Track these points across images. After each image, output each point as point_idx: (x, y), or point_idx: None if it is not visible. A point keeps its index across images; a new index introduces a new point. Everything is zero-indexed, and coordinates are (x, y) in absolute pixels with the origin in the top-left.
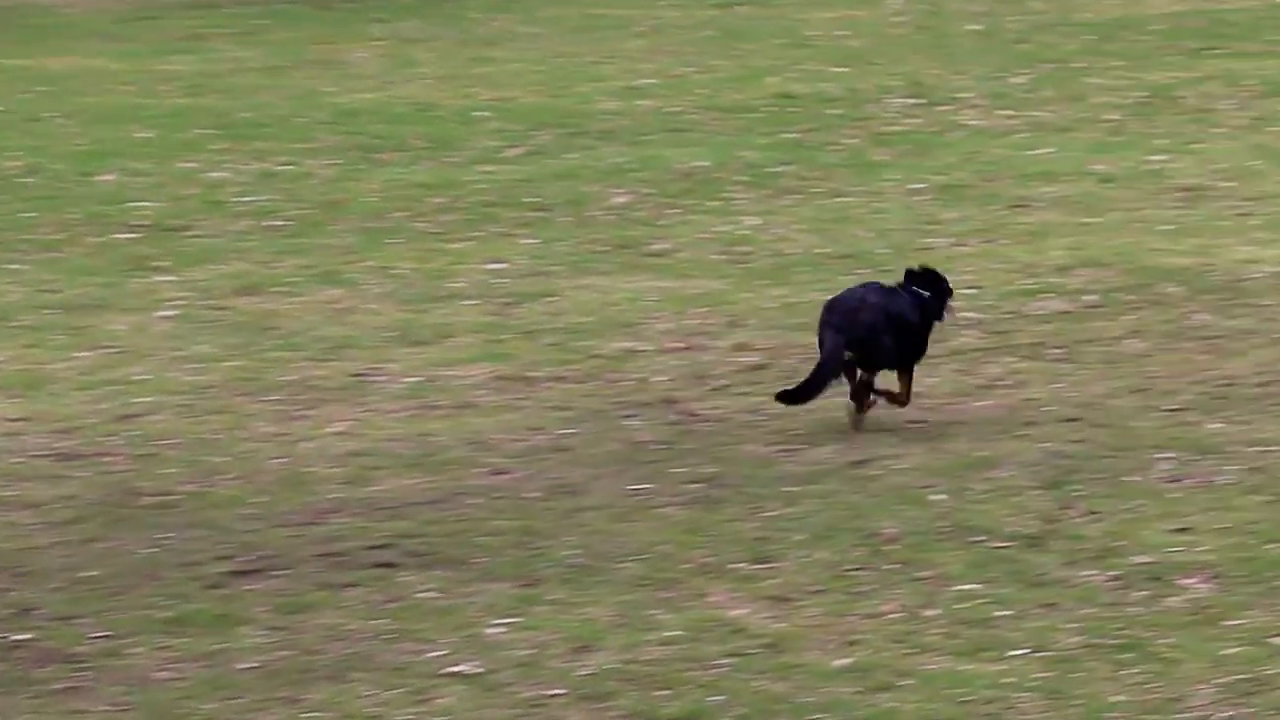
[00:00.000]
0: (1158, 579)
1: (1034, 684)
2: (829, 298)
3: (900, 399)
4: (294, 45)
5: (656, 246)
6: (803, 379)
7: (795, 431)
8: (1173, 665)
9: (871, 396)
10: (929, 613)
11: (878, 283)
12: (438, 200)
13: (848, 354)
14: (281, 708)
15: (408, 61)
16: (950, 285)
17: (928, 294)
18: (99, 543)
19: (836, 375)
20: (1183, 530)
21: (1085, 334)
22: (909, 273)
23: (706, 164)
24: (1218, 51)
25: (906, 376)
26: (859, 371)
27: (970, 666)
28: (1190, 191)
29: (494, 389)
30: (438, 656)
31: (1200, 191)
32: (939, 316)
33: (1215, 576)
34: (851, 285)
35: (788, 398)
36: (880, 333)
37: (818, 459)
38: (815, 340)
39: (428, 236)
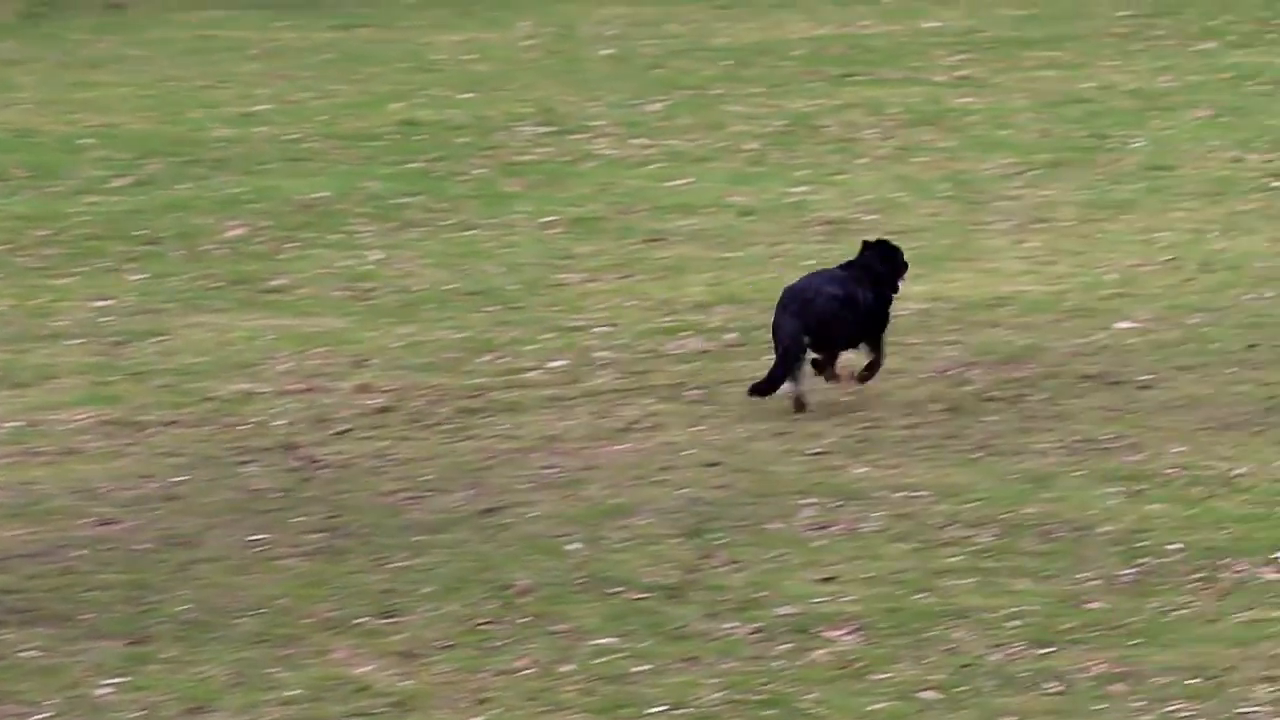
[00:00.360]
0: (802, 631)
1: None
2: (786, 285)
3: (873, 369)
4: None
5: (275, 282)
6: (767, 371)
7: (424, 478)
8: None
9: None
10: (564, 668)
11: (830, 270)
12: (39, 233)
13: (806, 339)
14: None
15: (4, 85)
16: (905, 259)
17: (883, 269)
18: None
19: (799, 361)
20: (827, 580)
21: (726, 374)
22: (865, 245)
23: (327, 195)
24: (859, 78)
25: (876, 347)
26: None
27: None
28: (833, 225)
29: (101, 434)
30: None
31: (843, 225)
32: (894, 289)
33: (861, 628)
34: (806, 274)
35: (758, 390)
36: (836, 317)
37: (447, 506)
38: (771, 329)
39: (28, 272)
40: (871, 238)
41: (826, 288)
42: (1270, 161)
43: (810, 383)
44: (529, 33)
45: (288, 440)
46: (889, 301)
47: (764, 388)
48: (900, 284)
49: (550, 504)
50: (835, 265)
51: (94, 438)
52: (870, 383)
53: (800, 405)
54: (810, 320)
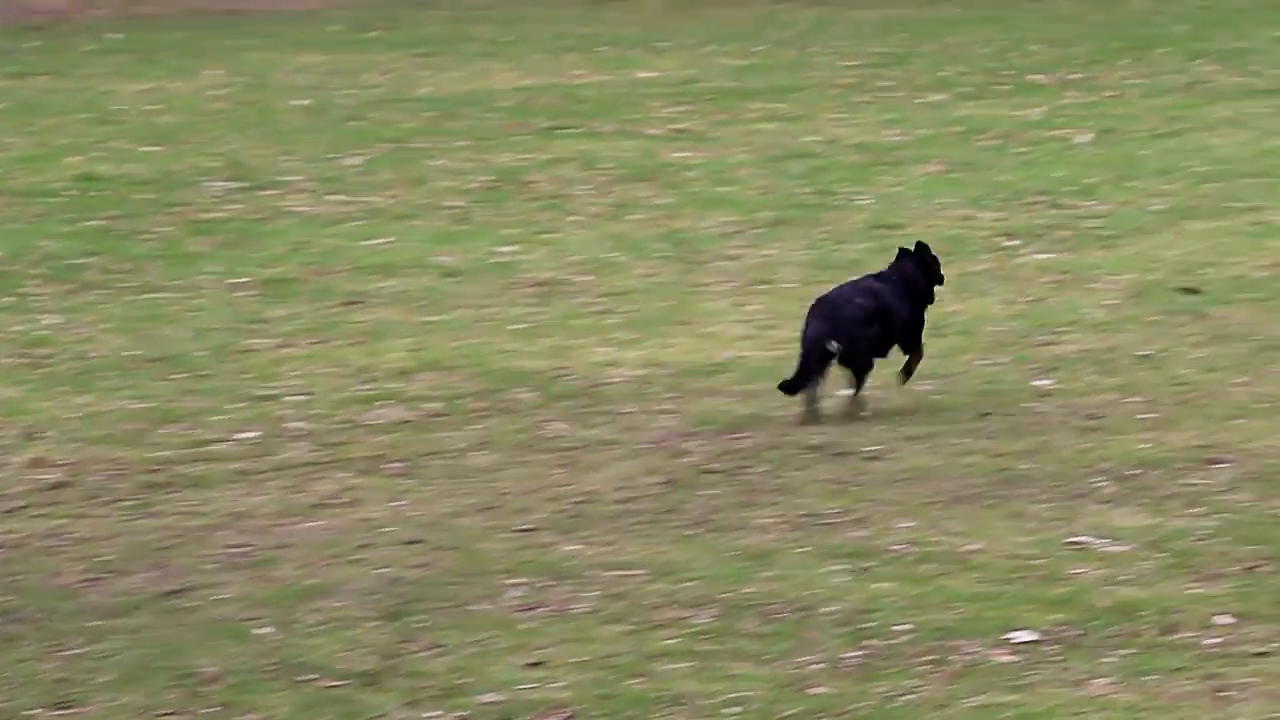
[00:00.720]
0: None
1: None
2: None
3: (914, 363)
4: None
5: None
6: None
7: (102, 558)
8: None
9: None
10: None
11: (864, 280)
12: None
13: (833, 345)
14: None
15: None
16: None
17: (920, 278)
18: None
19: (821, 366)
20: (535, 664)
21: (428, 446)
22: (902, 252)
23: None
24: (571, 131)
25: (916, 352)
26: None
27: None
28: (543, 286)
29: None
30: None
31: (554, 286)
32: (930, 299)
33: (571, 716)
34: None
35: (786, 387)
36: (863, 328)
37: (127, 589)
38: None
39: None
40: (909, 244)
41: (857, 298)
42: (1002, 220)
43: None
44: (218, 82)
45: None
46: (923, 311)
47: (791, 386)
48: (934, 294)
49: (239, 585)
50: (869, 274)
51: None
52: (587, 462)
53: (814, 413)
54: (839, 327)
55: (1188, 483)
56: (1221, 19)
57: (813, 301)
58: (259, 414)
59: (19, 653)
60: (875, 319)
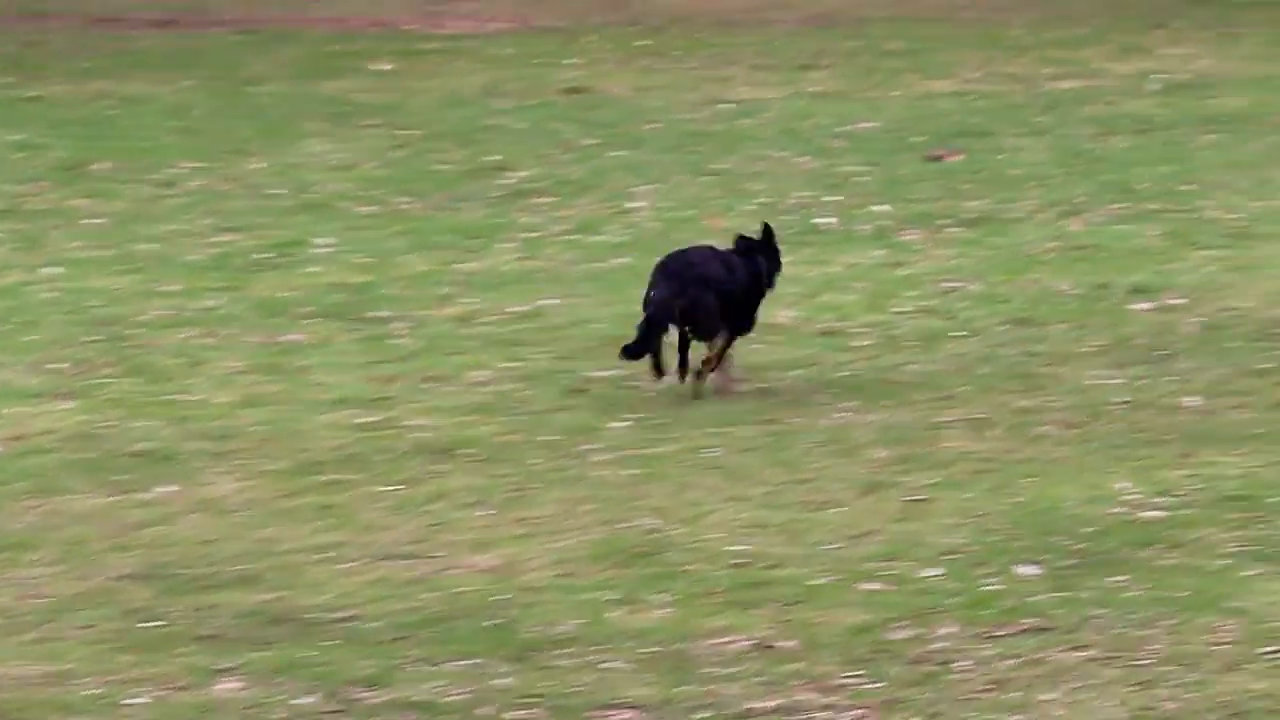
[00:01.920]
0: None
1: None
2: (660, 258)
3: (709, 366)
4: None
5: None
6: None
7: None
8: None
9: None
10: None
11: (711, 246)
12: None
13: (675, 313)
14: None
15: None
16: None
17: (761, 259)
18: None
19: (664, 329)
20: None
21: None
22: (741, 236)
23: None
24: None
25: (724, 344)
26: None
27: None
28: None
29: None
30: None
31: None
32: (770, 284)
33: None
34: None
35: (627, 352)
36: (708, 298)
37: None
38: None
39: None
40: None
41: (711, 261)
42: None
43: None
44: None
45: None
46: (762, 296)
47: (634, 350)
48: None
49: None
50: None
51: None
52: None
53: (659, 371)
54: (684, 294)
55: None
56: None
57: (659, 262)
58: None
59: None
60: (726, 286)
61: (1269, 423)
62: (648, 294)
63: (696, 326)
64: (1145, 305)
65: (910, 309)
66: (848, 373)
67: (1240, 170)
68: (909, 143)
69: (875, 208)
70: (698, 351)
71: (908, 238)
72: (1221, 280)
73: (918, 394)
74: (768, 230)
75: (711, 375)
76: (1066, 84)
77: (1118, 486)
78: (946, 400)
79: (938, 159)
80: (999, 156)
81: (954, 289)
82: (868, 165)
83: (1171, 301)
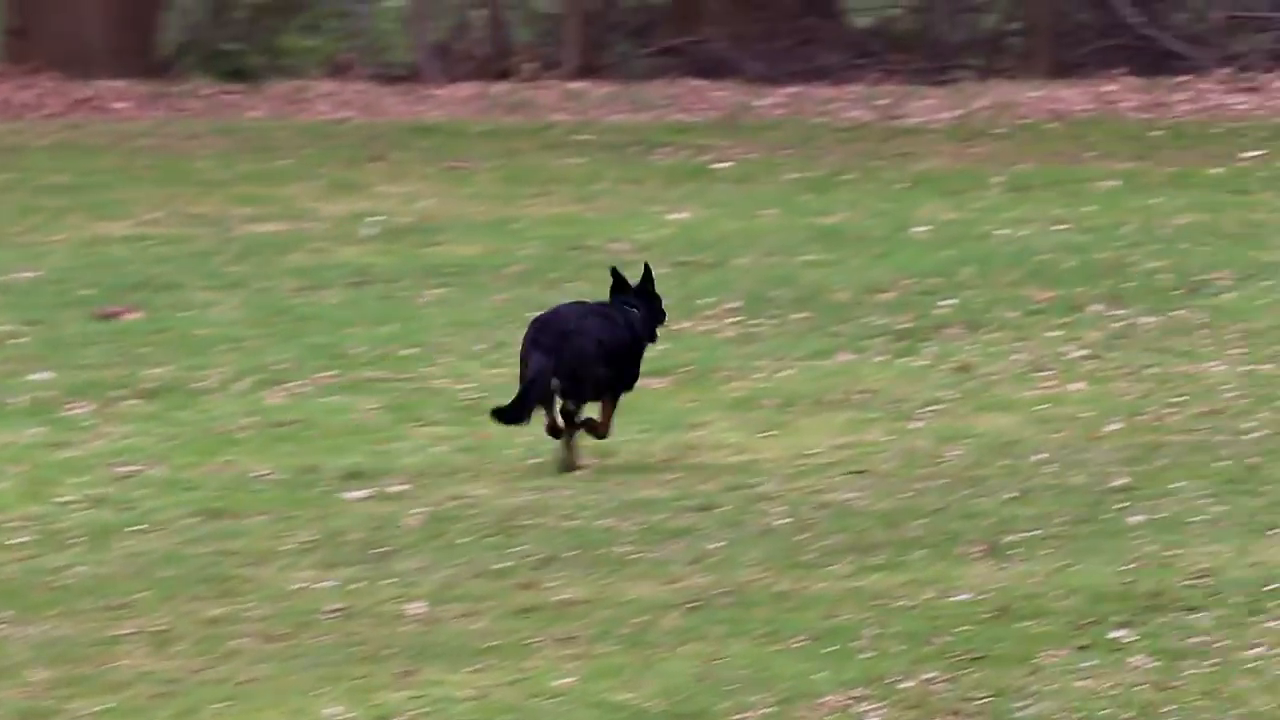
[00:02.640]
0: None
1: None
2: (537, 315)
3: (600, 429)
4: None
5: None
6: (513, 398)
7: None
8: None
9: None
10: None
11: (586, 303)
12: None
13: (554, 381)
14: None
15: None
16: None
17: (637, 310)
18: None
19: (542, 399)
20: None
21: None
22: (617, 284)
23: None
24: None
25: (610, 405)
26: (559, 401)
27: None
28: None
29: None
30: None
31: None
32: (652, 337)
33: None
34: (558, 304)
35: (503, 415)
36: (593, 361)
37: None
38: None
39: None
40: (622, 275)
41: (588, 323)
42: None
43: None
44: None
45: None
46: (643, 349)
47: (510, 415)
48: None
49: None
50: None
51: None
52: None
53: (556, 431)
54: (564, 359)
55: None
56: None
57: (534, 321)
58: None
59: None
60: (608, 351)
61: (505, 633)
62: (525, 359)
63: (579, 392)
64: (361, 493)
65: (77, 498)
66: None
67: (472, 330)
68: (76, 297)
69: (34, 376)
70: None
71: (74, 412)
72: (451, 463)
73: (86, 601)
74: (647, 272)
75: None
76: (265, 227)
77: (328, 711)
78: (121, 609)
79: (110, 317)
80: (184, 314)
81: (130, 474)
82: (25, 324)
83: (392, 489)
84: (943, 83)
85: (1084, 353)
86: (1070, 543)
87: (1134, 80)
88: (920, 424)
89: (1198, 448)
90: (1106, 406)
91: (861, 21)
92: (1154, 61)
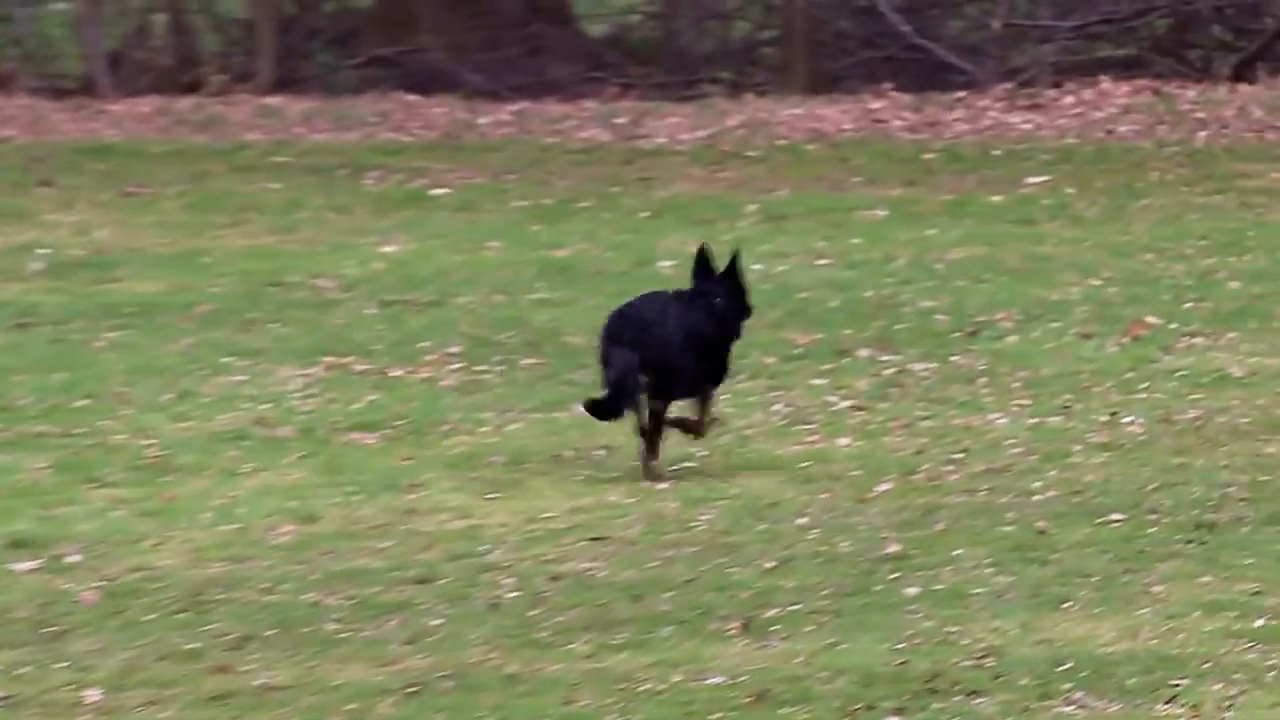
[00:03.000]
0: None
1: None
2: (614, 309)
3: (698, 428)
4: None
5: None
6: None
7: None
8: None
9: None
10: None
11: (665, 292)
12: None
13: (642, 377)
14: None
15: None
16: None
17: (721, 300)
18: None
19: (633, 397)
20: None
21: None
22: (702, 266)
23: None
24: None
25: (705, 402)
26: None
27: None
28: None
29: None
30: None
31: None
32: (737, 331)
33: None
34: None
35: (598, 409)
36: (680, 354)
37: None
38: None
39: None
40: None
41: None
42: None
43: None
44: None
45: None
46: (734, 339)
47: (606, 409)
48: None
49: None
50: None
51: None
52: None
53: (645, 433)
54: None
55: None
56: None
57: (611, 315)
58: None
59: None
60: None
61: None
62: (605, 358)
63: (668, 389)
64: (28, 564)
65: None
66: None
67: (155, 378)
68: None
69: None
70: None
71: None
72: (133, 529)
73: None
74: (735, 257)
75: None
76: None
77: None
78: None
79: None
80: None
81: None
82: None
83: (64, 559)
84: (689, 98)
85: (851, 403)
86: (837, 618)
87: (904, 96)
88: (668, 484)
89: (979, 510)
90: (877, 464)
91: (597, 29)
92: (926, 75)
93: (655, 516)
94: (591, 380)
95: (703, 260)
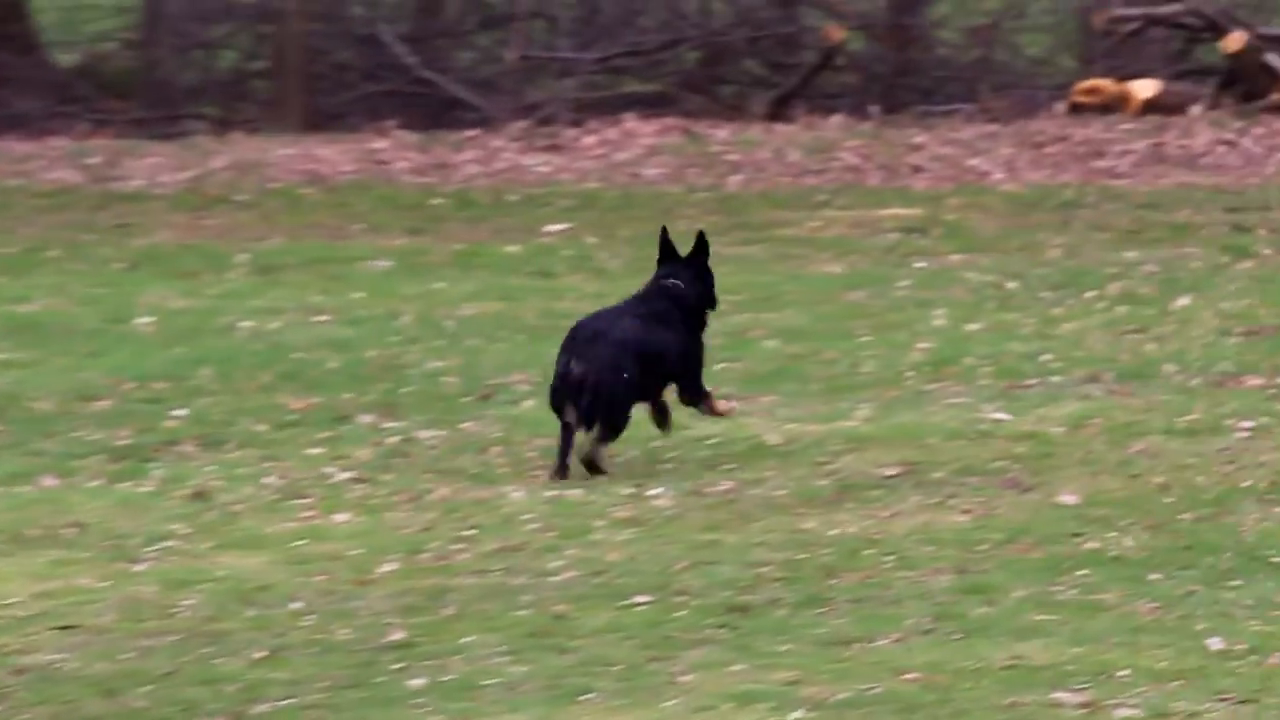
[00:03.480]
0: None
1: None
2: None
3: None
4: None
5: None
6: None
7: None
8: None
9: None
10: None
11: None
12: None
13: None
14: None
15: None
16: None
17: (685, 286)
18: None
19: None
20: None
21: None
22: (665, 257)
23: None
24: None
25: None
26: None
27: None
28: None
29: None
30: None
31: None
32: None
33: None
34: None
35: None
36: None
37: None
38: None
39: None
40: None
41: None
42: None
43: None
44: None
45: None
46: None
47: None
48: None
49: None
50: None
51: None
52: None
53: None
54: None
55: None
56: None
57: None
58: None
59: None
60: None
61: None
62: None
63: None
64: None
65: None
66: None
67: None
68: None
69: None
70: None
71: None
72: None
73: None
74: (701, 240)
75: None
76: None
77: None
78: None
79: None
80: None
81: None
82: None
83: None
84: (170, 136)
85: (351, 474)
86: (334, 713)
87: (410, 135)
88: (145, 566)
89: (492, 593)
90: (379, 542)
91: (66, 58)
92: (434, 112)
93: (131, 602)
94: (56, 452)
95: (665, 245)
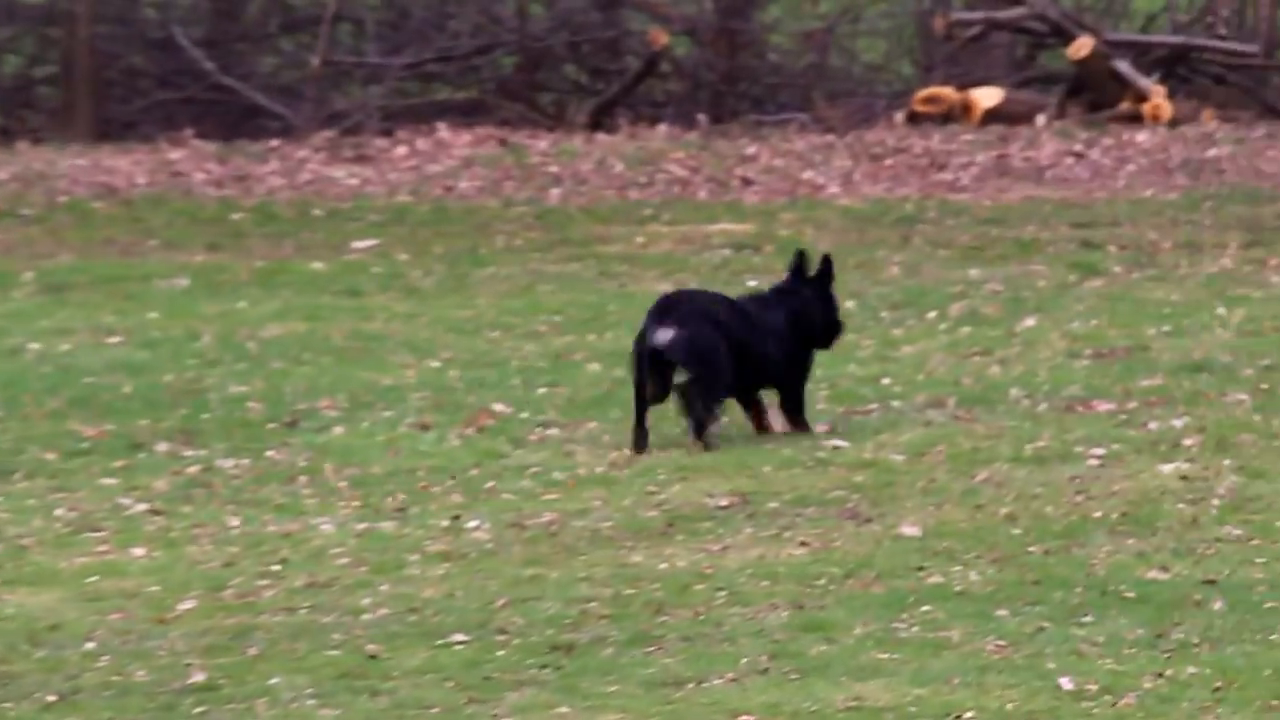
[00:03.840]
0: None
1: None
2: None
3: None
4: None
5: None
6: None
7: None
8: None
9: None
10: None
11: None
12: None
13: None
14: None
15: None
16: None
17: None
18: None
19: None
20: None
21: None
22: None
23: None
24: None
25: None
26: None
27: None
28: None
29: None
30: None
31: None
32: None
33: None
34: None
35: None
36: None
37: None
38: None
39: None
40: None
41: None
42: None
43: None
44: None
45: None
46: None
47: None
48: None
49: None
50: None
51: None
52: None
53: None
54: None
55: None
56: None
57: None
58: None
59: None
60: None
61: None
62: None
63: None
64: None
65: None
66: None
67: None
68: None
69: None
70: None
71: None
72: None
73: None
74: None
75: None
76: None
77: None
78: None
79: None
80: None
81: None
82: None
83: None
84: None
85: (148, 506)
86: None
87: (208, 145)
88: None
89: (300, 631)
90: (179, 578)
91: None
92: (234, 121)
93: None
94: None
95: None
